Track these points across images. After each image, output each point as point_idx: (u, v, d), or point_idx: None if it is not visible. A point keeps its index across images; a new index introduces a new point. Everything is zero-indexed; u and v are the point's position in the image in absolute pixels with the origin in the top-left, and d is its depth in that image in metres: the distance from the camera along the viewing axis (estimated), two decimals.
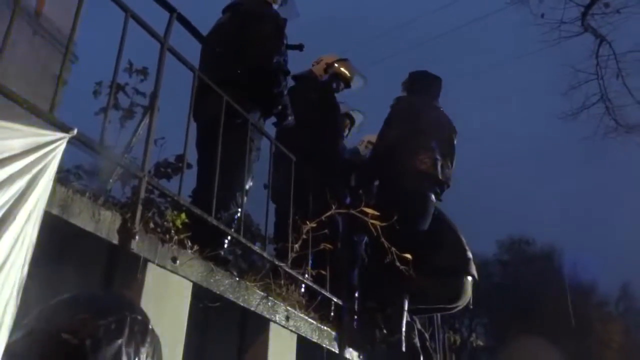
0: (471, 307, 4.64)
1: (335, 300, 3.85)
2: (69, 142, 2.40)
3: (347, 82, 4.90)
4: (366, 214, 3.35)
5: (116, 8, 2.70)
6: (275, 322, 3.25)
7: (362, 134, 5.73)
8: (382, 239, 3.31)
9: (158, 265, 2.56)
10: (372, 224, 3.32)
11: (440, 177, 4.39)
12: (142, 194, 2.59)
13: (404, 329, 3.89)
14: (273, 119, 3.96)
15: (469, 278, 4.53)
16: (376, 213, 3.36)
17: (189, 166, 3.66)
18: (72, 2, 2.62)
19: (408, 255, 3.43)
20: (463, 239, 4.63)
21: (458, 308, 4.61)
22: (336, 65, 4.96)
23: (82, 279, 2.53)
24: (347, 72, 5.00)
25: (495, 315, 28.67)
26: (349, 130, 5.41)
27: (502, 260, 32.53)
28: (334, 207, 3.43)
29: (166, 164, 3.77)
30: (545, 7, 8.13)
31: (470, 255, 4.58)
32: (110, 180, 2.72)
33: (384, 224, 3.34)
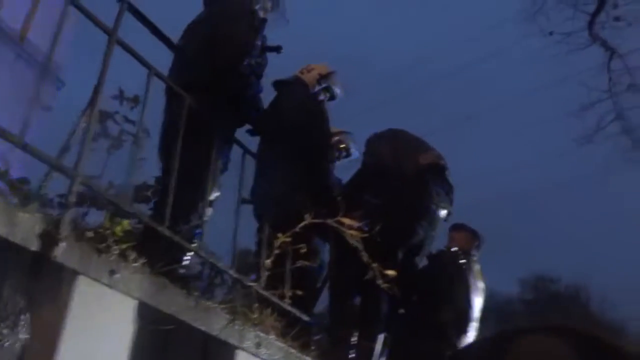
0: None
1: (318, 328, 3.44)
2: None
3: (332, 97, 4.55)
4: (343, 224, 2.93)
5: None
6: (243, 349, 2.85)
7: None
8: (363, 252, 2.89)
9: (91, 278, 2.20)
10: (351, 234, 2.91)
11: (445, 165, 3.96)
12: (74, 196, 2.26)
13: None
14: (247, 127, 3.63)
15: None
16: (354, 223, 2.94)
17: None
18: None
19: (392, 272, 3.00)
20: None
21: None
22: (331, 78, 4.64)
23: None
24: (338, 87, 4.69)
25: None
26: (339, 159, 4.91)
27: (526, 300, 31.43)
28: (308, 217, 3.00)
29: (146, 187, 3.46)
30: (552, 24, 7.82)
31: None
32: (44, 183, 2.39)
33: (364, 235, 2.93)
